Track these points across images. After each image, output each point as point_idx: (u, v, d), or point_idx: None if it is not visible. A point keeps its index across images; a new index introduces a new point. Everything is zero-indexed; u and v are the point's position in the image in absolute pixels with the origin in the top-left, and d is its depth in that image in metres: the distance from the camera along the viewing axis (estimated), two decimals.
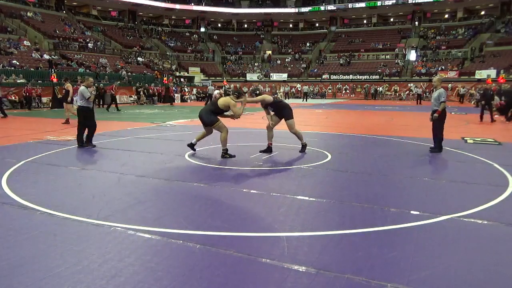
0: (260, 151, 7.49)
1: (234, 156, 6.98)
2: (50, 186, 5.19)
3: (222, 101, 7.11)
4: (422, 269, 2.83)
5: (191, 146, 7.49)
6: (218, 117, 7.10)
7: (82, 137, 8.28)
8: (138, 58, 39.12)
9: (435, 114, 7.61)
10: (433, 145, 7.86)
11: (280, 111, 7.56)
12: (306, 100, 32.46)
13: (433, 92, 8.26)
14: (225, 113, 7.25)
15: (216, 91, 25.47)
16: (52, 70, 24.93)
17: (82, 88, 8.31)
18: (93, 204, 4.32)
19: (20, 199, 4.45)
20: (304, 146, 7.63)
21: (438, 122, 7.65)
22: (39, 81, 23.53)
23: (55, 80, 22.67)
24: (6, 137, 9.86)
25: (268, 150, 7.51)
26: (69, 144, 8.56)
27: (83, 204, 4.35)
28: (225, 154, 7.01)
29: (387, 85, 37.82)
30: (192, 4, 48.96)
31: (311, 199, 4.58)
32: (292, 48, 49.42)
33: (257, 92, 7.74)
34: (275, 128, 7.69)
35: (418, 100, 29.25)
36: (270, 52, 48.93)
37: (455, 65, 38.03)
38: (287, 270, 2.82)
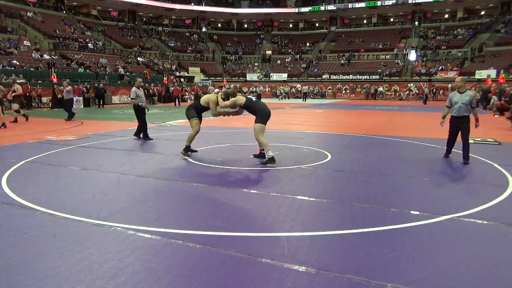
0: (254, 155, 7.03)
1: (195, 151, 7.07)
2: (50, 186, 5.19)
3: (204, 98, 7.10)
4: (422, 269, 2.83)
5: (189, 150, 7.42)
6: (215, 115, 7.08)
7: (139, 130, 9.36)
8: (138, 58, 39.12)
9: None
10: (445, 153, 7.08)
11: (253, 113, 6.65)
12: (305, 100, 32.52)
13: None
14: (225, 110, 7.05)
15: (216, 90, 25.53)
16: (52, 70, 24.94)
17: (133, 88, 9.53)
18: (93, 204, 4.32)
19: (20, 199, 4.45)
20: (269, 160, 6.35)
21: (469, 128, 6.79)
22: (39, 81, 23.54)
23: (55, 80, 22.68)
24: (6, 137, 9.85)
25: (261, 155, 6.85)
26: (69, 144, 8.57)
27: (83, 204, 4.35)
28: (185, 150, 7.00)
29: (387, 85, 37.81)
30: (192, 4, 48.98)
31: (311, 199, 4.58)
32: (292, 48, 49.43)
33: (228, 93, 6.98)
34: (270, 128, 7.28)
35: (425, 101, 28.97)
36: (270, 52, 48.95)
37: (455, 65, 38.03)
38: (287, 270, 2.82)
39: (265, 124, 6.57)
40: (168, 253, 3.11)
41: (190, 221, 3.85)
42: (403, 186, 5.26)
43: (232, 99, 6.76)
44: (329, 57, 46.09)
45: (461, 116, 6.75)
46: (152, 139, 9.27)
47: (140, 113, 9.46)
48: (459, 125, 6.79)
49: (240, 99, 6.77)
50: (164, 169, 6.17)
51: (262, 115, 6.56)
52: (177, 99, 26.43)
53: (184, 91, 32.19)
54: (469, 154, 6.70)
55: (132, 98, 9.51)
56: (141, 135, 9.42)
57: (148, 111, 9.80)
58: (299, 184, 5.28)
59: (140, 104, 9.42)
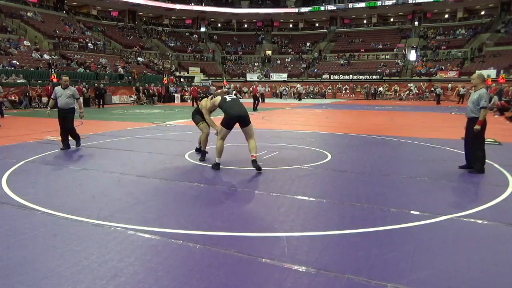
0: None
1: (206, 152, 6.84)
2: (50, 186, 5.19)
3: (202, 103, 6.90)
4: (422, 269, 2.83)
5: (199, 151, 7.22)
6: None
7: (64, 138, 7.94)
8: (138, 58, 39.13)
9: (476, 126, 5.75)
10: (465, 164, 6.14)
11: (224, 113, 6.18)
12: (300, 100, 32.57)
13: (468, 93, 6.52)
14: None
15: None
16: (52, 70, 24.94)
17: (56, 88, 8.16)
18: (93, 204, 4.32)
19: (20, 199, 4.45)
20: (214, 165, 6.08)
21: (479, 134, 5.85)
22: (39, 81, 23.55)
23: (55, 80, 22.70)
24: (6, 137, 9.85)
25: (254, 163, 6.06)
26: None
27: (83, 204, 4.35)
28: (202, 155, 6.85)
29: (387, 85, 37.82)
30: (192, 4, 48.99)
31: (311, 199, 4.58)
32: (292, 48, 49.43)
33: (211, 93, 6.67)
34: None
35: (437, 101, 28.89)
36: (270, 52, 48.95)
37: (455, 65, 38.04)
38: (287, 270, 2.82)
39: (229, 129, 6.02)
40: (168, 253, 3.11)
41: (190, 221, 3.85)
42: (403, 186, 5.25)
43: (212, 101, 6.40)
44: (329, 57, 46.09)
45: (469, 118, 5.99)
46: (69, 148, 7.90)
47: (60, 116, 7.95)
48: (468, 129, 6.00)
49: (216, 100, 6.29)
50: (164, 169, 6.17)
51: (227, 117, 6.01)
52: (194, 100, 25.67)
53: (184, 91, 32.24)
54: (479, 163, 5.86)
55: (52, 98, 8.15)
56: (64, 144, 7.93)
57: (47, 114, 8.33)
58: (299, 184, 5.28)
59: (61, 107, 7.91)
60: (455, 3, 43.60)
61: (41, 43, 31.75)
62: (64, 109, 7.91)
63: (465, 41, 41.11)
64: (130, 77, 30.29)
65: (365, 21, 50.91)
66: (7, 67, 23.82)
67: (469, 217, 3.95)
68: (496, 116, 16.58)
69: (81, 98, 7.96)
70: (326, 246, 3.25)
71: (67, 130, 7.96)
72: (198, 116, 7.06)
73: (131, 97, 27.71)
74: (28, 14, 35.10)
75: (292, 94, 37.59)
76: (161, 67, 39.66)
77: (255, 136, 6.17)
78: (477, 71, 6.89)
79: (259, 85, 24.73)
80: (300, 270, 2.81)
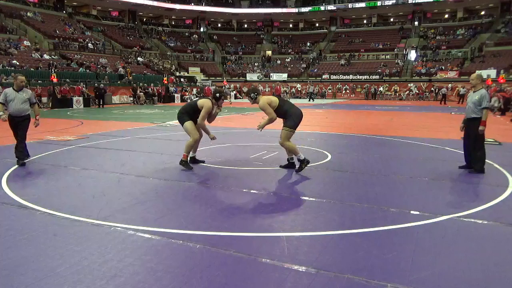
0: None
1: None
2: (50, 186, 5.19)
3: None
4: (422, 269, 2.83)
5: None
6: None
7: (18, 149, 6.46)
8: (138, 58, 39.12)
9: (481, 127, 5.76)
10: (464, 164, 6.16)
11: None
12: (313, 100, 32.27)
13: (466, 92, 6.69)
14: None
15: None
16: (52, 70, 24.94)
17: (6, 89, 6.67)
18: (93, 204, 4.32)
19: (20, 199, 4.45)
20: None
21: (480, 134, 5.85)
22: (39, 81, 23.53)
23: (55, 80, 22.70)
24: (6, 137, 9.85)
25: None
26: (69, 144, 8.57)
27: (83, 204, 4.35)
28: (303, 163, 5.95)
29: (387, 85, 37.81)
30: (192, 4, 48.99)
31: (311, 199, 4.58)
32: (292, 48, 49.43)
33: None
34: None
35: (443, 101, 28.86)
36: (270, 52, 48.94)
37: (455, 65, 38.03)
38: (287, 270, 2.82)
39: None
40: (168, 253, 3.11)
41: (190, 221, 3.85)
42: (403, 186, 5.25)
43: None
44: (329, 57, 46.08)
45: (469, 119, 5.97)
46: (24, 164, 6.37)
47: (13, 124, 6.50)
48: (468, 130, 6.03)
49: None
50: (164, 169, 6.17)
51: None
52: None
53: (184, 91, 32.22)
54: (479, 163, 5.86)
55: (0, 102, 6.40)
56: (18, 156, 6.46)
57: (3, 119, 6.36)
58: (299, 184, 5.28)
59: (14, 114, 6.40)
60: (455, 3, 43.60)
61: (41, 43, 31.75)
62: (17, 116, 6.42)
63: (465, 41, 41.11)
64: (125, 77, 30.28)
65: (365, 21, 50.90)
66: (7, 67, 23.81)
67: (469, 217, 3.95)
68: (497, 116, 16.60)
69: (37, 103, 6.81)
70: (326, 246, 3.25)
71: (20, 138, 6.51)
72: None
73: (131, 97, 27.68)
74: (28, 14, 35.11)
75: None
76: (161, 67, 39.66)
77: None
78: (476, 71, 6.94)
79: (279, 84, 24.81)
80: (300, 270, 2.81)
